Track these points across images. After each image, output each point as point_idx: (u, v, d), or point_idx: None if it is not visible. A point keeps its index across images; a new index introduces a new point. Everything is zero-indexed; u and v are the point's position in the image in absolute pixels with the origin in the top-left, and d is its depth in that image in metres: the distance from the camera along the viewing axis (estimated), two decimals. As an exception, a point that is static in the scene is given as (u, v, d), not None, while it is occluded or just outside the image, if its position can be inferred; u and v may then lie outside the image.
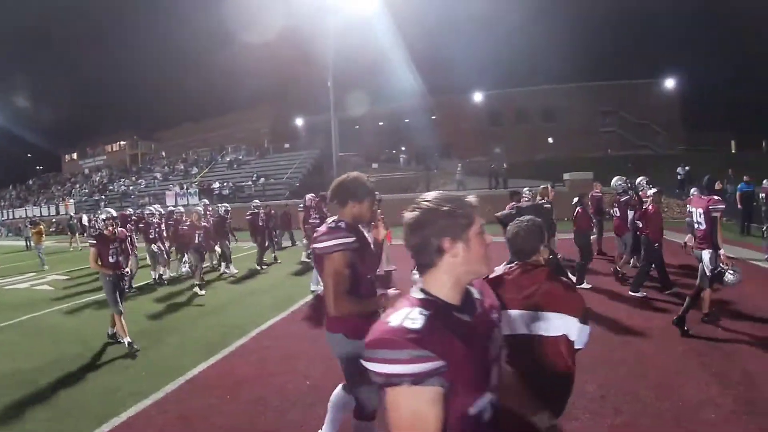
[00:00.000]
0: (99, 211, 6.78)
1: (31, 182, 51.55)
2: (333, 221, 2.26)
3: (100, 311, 7.22)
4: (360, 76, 29.75)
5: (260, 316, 6.29)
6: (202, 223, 8.68)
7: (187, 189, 27.90)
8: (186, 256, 9.47)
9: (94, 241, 5.33)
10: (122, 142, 49.81)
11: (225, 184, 27.36)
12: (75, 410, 3.76)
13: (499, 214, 6.23)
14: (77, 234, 18.04)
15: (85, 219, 22.34)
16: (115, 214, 5.79)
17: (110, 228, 5.45)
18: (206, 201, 14.73)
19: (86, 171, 48.03)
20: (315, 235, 2.28)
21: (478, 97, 37.98)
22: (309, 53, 24.85)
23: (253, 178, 27.94)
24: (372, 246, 2.40)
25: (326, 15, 19.54)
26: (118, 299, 5.28)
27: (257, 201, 12.01)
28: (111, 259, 5.34)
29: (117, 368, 4.76)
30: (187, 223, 8.68)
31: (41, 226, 14.15)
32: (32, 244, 20.99)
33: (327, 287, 2.15)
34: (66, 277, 11.42)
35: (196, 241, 8.35)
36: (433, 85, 32.30)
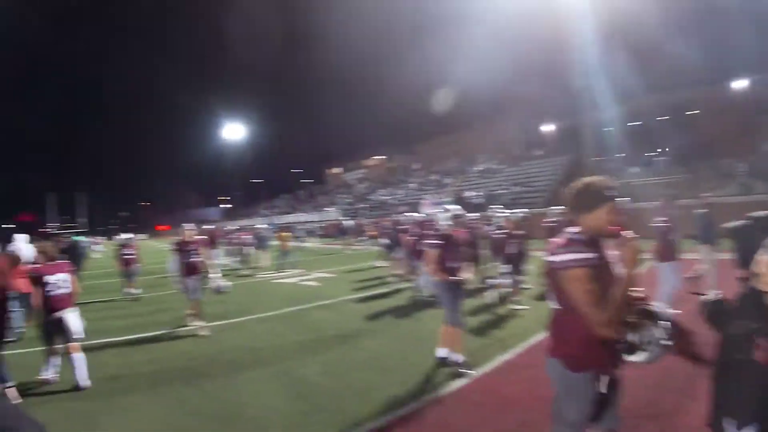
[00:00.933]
0: (438, 209, 5.51)
1: (299, 192, 63.99)
2: (571, 232, 1.98)
3: (360, 307, 7.66)
4: (609, 74, 26.73)
5: (525, 331, 5.59)
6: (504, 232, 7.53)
7: (441, 198, 29.90)
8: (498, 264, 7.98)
9: (441, 242, 4.57)
10: (380, 157, 56.62)
11: (478, 192, 27.74)
12: (331, 405, 3.70)
13: (731, 224, 4.21)
14: (348, 237, 20.75)
15: (348, 224, 26.29)
16: (463, 212, 5.06)
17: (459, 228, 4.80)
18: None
19: (348, 182, 56.18)
20: (550, 246, 2.01)
21: (741, 84, 29.56)
22: (556, 57, 23.67)
23: (506, 186, 27.68)
24: (613, 266, 1.94)
25: (573, 17, 18.34)
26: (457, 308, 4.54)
27: (555, 208, 11.46)
28: (450, 264, 4.55)
29: (374, 367, 4.57)
30: (502, 230, 7.69)
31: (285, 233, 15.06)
32: (302, 244, 25.31)
33: (579, 306, 1.85)
34: (332, 275, 12.11)
35: (510, 251, 7.21)
36: (689, 76, 26.60)
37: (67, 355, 4.49)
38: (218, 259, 15.45)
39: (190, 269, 6.50)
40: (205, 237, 9.44)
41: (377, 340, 5.61)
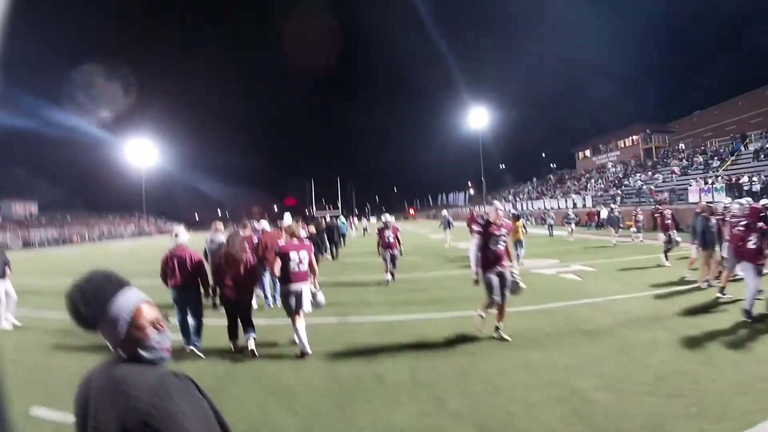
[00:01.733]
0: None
1: (549, 177, 60.43)
2: None
3: (635, 310, 6.55)
4: None
5: None
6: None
7: (712, 183, 24.11)
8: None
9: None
10: (634, 137, 49.48)
11: (755, 177, 21.95)
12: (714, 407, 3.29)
13: None
14: (616, 228, 17.81)
15: (604, 213, 22.78)
16: None
17: None
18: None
19: (599, 166, 51.09)
20: None
21: None
22: None
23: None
24: None
25: None
26: None
27: None
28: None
29: (663, 390, 3.74)
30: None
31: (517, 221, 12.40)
32: (552, 232, 23.26)
33: None
34: (591, 269, 10.83)
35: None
36: None
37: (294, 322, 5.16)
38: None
39: (495, 259, 5.41)
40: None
41: (662, 355, 4.60)
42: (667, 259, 10.74)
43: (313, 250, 5.58)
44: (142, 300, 1.29)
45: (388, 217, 10.04)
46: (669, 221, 10.95)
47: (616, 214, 17.74)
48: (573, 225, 20.36)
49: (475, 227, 5.25)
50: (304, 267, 5.24)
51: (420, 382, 4.20)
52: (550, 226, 23.69)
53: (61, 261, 23.38)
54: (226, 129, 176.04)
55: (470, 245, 5.24)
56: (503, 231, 5.47)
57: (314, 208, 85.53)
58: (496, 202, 5.78)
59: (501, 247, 5.45)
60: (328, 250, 14.97)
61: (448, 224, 20.36)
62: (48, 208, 62.70)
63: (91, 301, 1.22)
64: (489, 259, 5.39)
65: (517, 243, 11.53)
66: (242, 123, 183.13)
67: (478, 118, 60.69)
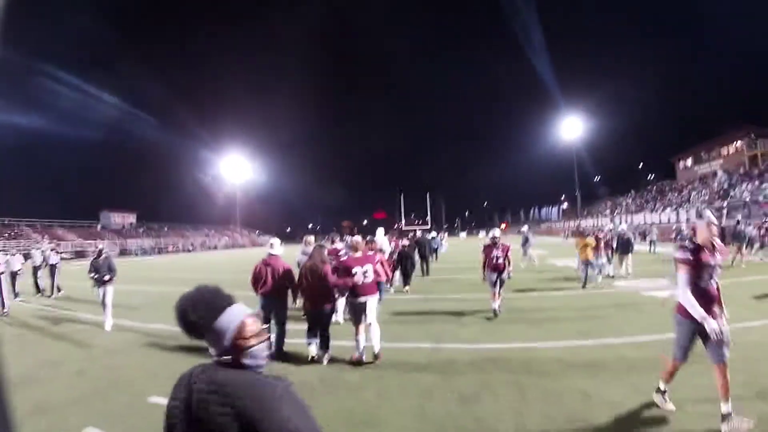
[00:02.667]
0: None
1: (649, 189, 55.62)
2: None
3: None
4: None
5: None
6: None
7: None
8: None
9: None
10: (738, 143, 44.16)
11: None
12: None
13: None
14: (745, 245, 14.37)
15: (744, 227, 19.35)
16: None
17: None
18: None
19: (701, 176, 46.31)
20: None
21: None
22: None
23: None
24: None
25: None
26: None
27: None
28: None
29: None
30: None
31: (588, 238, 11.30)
32: (655, 249, 21.06)
33: None
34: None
35: None
36: None
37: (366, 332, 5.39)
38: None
39: (707, 301, 3.60)
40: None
41: None
42: None
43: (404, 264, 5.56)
44: (247, 314, 1.43)
45: (497, 233, 8.39)
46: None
47: (745, 227, 14.88)
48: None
49: (680, 255, 3.57)
50: (369, 280, 5.40)
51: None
52: (652, 242, 21.57)
53: (150, 268, 25.43)
54: (318, 144, 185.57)
55: (678, 282, 3.51)
56: (719, 258, 3.59)
57: (403, 222, 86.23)
58: (709, 213, 4.06)
59: (714, 283, 3.57)
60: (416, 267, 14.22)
61: (525, 241, 17.54)
62: (146, 219, 69.36)
63: (203, 313, 1.36)
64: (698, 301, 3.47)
65: (587, 264, 10.71)
66: (334, 138, 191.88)
67: (571, 128, 57.65)
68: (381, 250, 8.41)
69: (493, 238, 8.23)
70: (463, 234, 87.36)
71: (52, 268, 13.34)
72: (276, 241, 6.20)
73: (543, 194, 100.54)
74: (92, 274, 8.14)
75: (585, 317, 7.60)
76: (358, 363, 5.35)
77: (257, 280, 5.89)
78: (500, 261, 8.03)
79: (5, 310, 10.16)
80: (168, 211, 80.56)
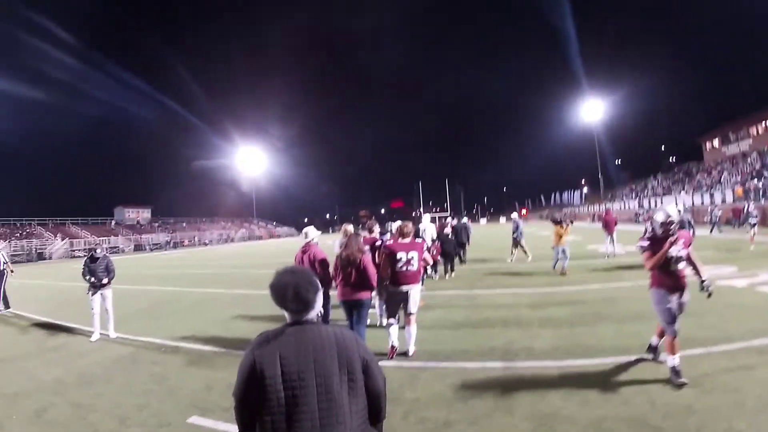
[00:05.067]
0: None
1: (675, 171, 53.65)
2: None
3: None
4: None
5: None
6: None
7: None
8: None
9: None
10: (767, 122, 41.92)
11: None
12: None
13: None
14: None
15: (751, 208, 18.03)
16: None
17: None
18: None
19: (730, 157, 44.34)
20: None
21: None
22: None
23: None
24: None
25: None
26: None
27: None
28: None
29: None
30: None
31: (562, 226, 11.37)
32: (719, 230, 20.24)
33: None
34: None
35: None
36: None
37: (404, 326, 5.20)
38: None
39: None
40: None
41: None
42: None
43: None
44: None
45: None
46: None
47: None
48: (755, 227, 15.72)
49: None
50: (413, 267, 5.06)
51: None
52: (714, 224, 20.64)
53: (162, 266, 24.90)
54: (334, 134, 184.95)
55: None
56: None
57: (422, 210, 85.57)
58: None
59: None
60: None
61: (516, 229, 14.52)
62: (161, 214, 69.56)
63: (312, 288, 1.62)
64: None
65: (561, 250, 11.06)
66: (350, 128, 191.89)
67: (592, 111, 55.53)
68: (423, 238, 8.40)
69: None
70: (483, 220, 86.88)
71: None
72: (310, 228, 5.95)
73: (563, 179, 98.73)
74: (88, 277, 7.07)
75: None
76: (405, 354, 5.13)
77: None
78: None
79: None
80: (183, 206, 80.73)
